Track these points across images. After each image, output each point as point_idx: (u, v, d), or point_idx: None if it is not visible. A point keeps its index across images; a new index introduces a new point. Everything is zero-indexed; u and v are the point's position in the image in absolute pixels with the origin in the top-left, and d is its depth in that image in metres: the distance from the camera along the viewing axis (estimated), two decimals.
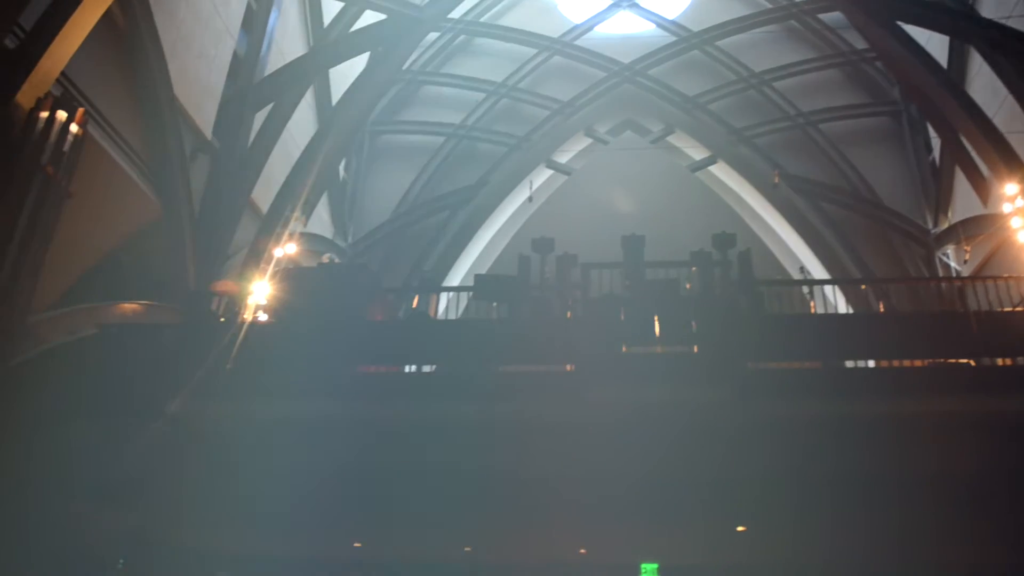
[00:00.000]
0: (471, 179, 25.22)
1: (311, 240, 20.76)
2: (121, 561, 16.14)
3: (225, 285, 14.10)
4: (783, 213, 23.52)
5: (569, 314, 11.64)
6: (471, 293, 11.66)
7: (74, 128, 9.97)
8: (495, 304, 10.98)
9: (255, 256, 16.00)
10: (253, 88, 19.27)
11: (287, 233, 16.36)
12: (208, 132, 18.03)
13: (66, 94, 11.29)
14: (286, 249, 16.31)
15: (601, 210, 26.67)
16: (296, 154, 20.02)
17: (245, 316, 13.76)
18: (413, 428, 10.99)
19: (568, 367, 10.67)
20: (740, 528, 11.23)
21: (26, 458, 15.31)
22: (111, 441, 12.08)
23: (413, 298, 12.07)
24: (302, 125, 21.88)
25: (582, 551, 13.57)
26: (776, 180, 21.51)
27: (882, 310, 19.09)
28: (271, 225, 16.90)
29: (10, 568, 16.20)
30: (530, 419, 10.57)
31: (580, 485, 11.04)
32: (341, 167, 24.92)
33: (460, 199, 24.69)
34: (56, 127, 9.74)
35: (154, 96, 15.92)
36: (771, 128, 25.13)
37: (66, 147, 9.85)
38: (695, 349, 10.48)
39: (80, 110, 10.00)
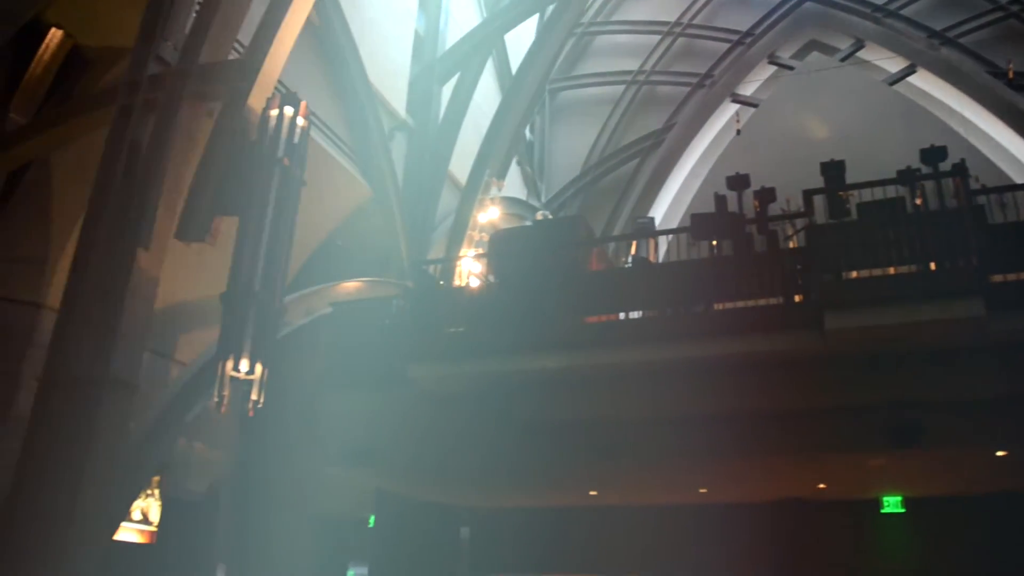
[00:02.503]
0: (656, 124, 24.86)
1: (507, 203, 21.25)
2: (372, 517, 17.47)
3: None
4: (1001, 115, 21.52)
5: (793, 243, 11.31)
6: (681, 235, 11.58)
7: (300, 121, 10.72)
8: (713, 243, 10.80)
9: (460, 224, 16.59)
10: (438, 62, 19.85)
11: (488, 199, 16.82)
12: (402, 111, 18.79)
13: (280, 91, 12.14)
14: (489, 214, 16.77)
15: (794, 139, 25.49)
16: (484, 123, 20.48)
17: (463, 281, 14.34)
18: (640, 374, 11.07)
19: (797, 298, 10.38)
20: (1000, 453, 10.58)
21: (287, 428, 16.81)
22: (357, 407, 13.01)
23: (630, 245, 12.08)
24: (486, 93, 22.33)
25: (821, 486, 13.32)
26: (1011, 75, 19.61)
27: None
28: (472, 193, 17.44)
29: (279, 524, 17.91)
30: (761, 355, 10.37)
31: (818, 418, 10.76)
32: (526, 129, 25.25)
33: (648, 145, 24.40)
34: (286, 122, 10.52)
35: (351, 83, 16.77)
36: (978, 23, 22.94)
37: (296, 139, 10.62)
38: (932, 267, 9.90)
39: (303, 103, 10.73)
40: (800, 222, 11.14)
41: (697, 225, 11.10)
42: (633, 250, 12.07)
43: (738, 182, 12.91)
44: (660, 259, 12.91)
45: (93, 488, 9.73)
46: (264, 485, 17.85)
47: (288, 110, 10.59)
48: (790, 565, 14.29)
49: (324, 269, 17.49)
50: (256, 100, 10.91)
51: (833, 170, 11.57)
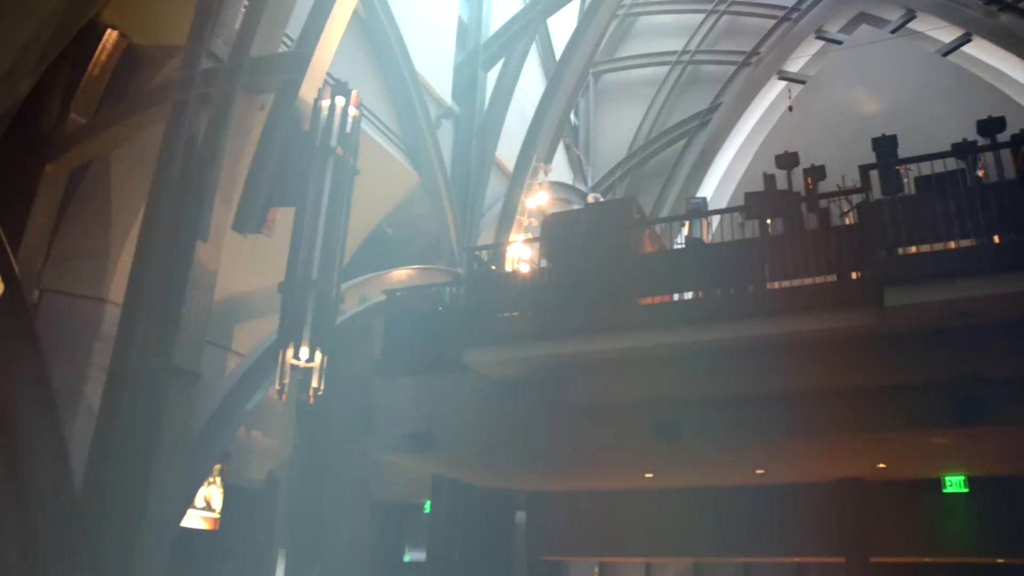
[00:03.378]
0: (702, 104, 24.56)
1: (554, 188, 21.22)
2: (428, 503, 17.68)
3: None
4: None
5: (849, 220, 11.13)
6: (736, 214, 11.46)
7: (352, 111, 10.84)
8: (768, 221, 10.66)
9: (509, 210, 16.64)
10: (482, 49, 19.87)
11: (536, 184, 16.83)
12: (448, 98, 18.86)
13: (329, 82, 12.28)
14: (537, 199, 16.79)
15: (844, 115, 25.05)
16: (529, 108, 20.46)
17: (513, 266, 14.37)
18: (695, 355, 11.03)
19: (854, 275, 10.22)
20: None
21: (343, 416, 17.06)
22: (412, 394, 13.15)
23: (680, 227, 12.01)
24: (530, 78, 22.30)
25: (881, 465, 13.14)
26: None
27: None
28: (519, 178, 17.46)
29: (336, 511, 18.20)
30: (817, 333, 10.25)
31: (877, 396, 10.61)
32: (571, 113, 25.17)
33: (694, 126, 24.16)
34: (337, 112, 10.65)
35: (397, 72, 16.89)
36: None
37: (348, 128, 10.75)
38: (995, 240, 9.69)
39: (354, 92, 10.86)
40: (856, 198, 10.95)
41: (751, 203, 10.98)
42: (687, 231, 11.98)
43: (787, 161, 12.74)
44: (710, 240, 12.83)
45: (161, 475, 10.02)
46: (321, 472, 18.16)
47: (340, 100, 10.72)
48: (849, 547, 14.16)
49: (374, 258, 17.68)
50: (307, 91, 11.08)
51: (885, 145, 11.37)
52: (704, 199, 13.57)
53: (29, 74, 12.53)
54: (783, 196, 10.94)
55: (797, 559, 16.33)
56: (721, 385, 11.16)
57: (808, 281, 10.66)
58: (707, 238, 12.05)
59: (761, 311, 10.51)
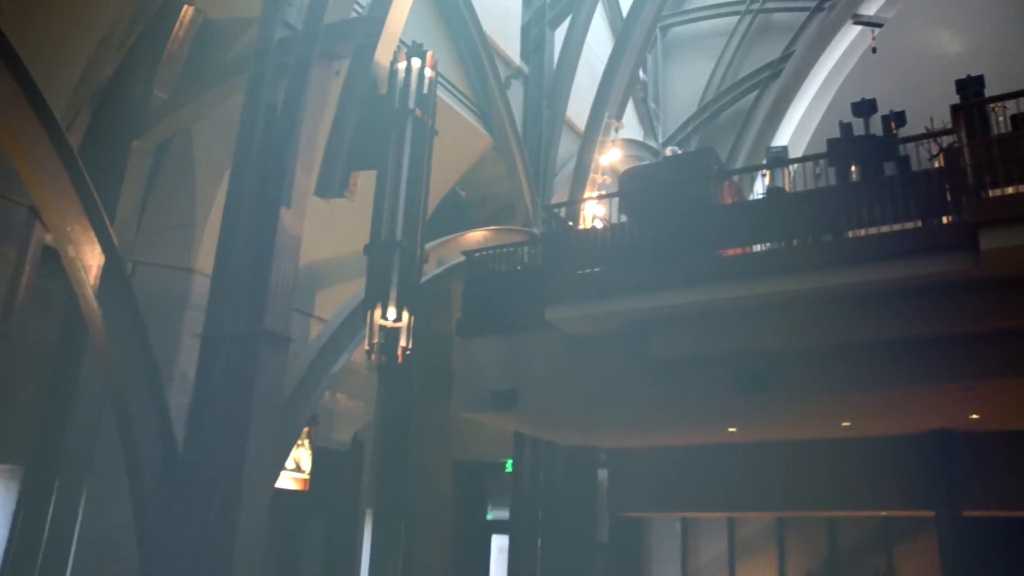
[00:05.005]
0: (773, 53, 23.93)
1: (626, 145, 21.03)
2: (509, 462, 17.92)
3: None
4: None
5: (939, 163, 10.76)
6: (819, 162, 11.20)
7: (428, 72, 10.88)
8: (852, 168, 10.39)
9: (583, 168, 16.56)
10: (548, 6, 19.69)
11: (609, 141, 16.70)
12: (516, 58, 18.77)
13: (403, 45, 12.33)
14: (610, 156, 16.66)
15: (924, 57, 24.12)
16: (597, 65, 20.25)
17: (588, 223, 14.34)
18: (779, 306, 10.88)
19: (945, 219, 9.92)
20: None
21: (424, 377, 17.35)
22: (493, 353, 13.28)
23: (763, 175, 11.80)
24: (597, 35, 22.03)
25: (974, 416, 12.83)
26: None
27: None
28: (592, 136, 17.34)
29: (420, 471, 18.57)
30: (906, 279, 10.00)
31: (970, 344, 10.34)
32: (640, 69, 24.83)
33: (766, 76, 23.58)
34: (414, 74, 10.71)
35: (466, 34, 16.85)
36: None
37: (425, 90, 10.80)
38: None
39: (429, 53, 10.88)
40: (946, 140, 10.59)
41: (835, 150, 10.70)
42: (768, 180, 11.76)
43: (865, 108, 12.38)
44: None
45: (257, 437, 10.34)
46: (404, 433, 18.53)
47: (415, 62, 10.75)
48: (939, 501, 13.89)
49: (448, 221, 17.82)
50: (382, 56, 11.14)
51: (971, 86, 10.93)
52: (785, 148, 13.28)
53: (114, 55, 12.93)
54: (869, 141, 10.62)
55: (884, 513, 16.13)
56: (807, 335, 10.99)
57: (899, 227, 10.39)
58: (789, 188, 11.80)
59: (845, 259, 10.29)
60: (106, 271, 9.98)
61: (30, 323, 12.40)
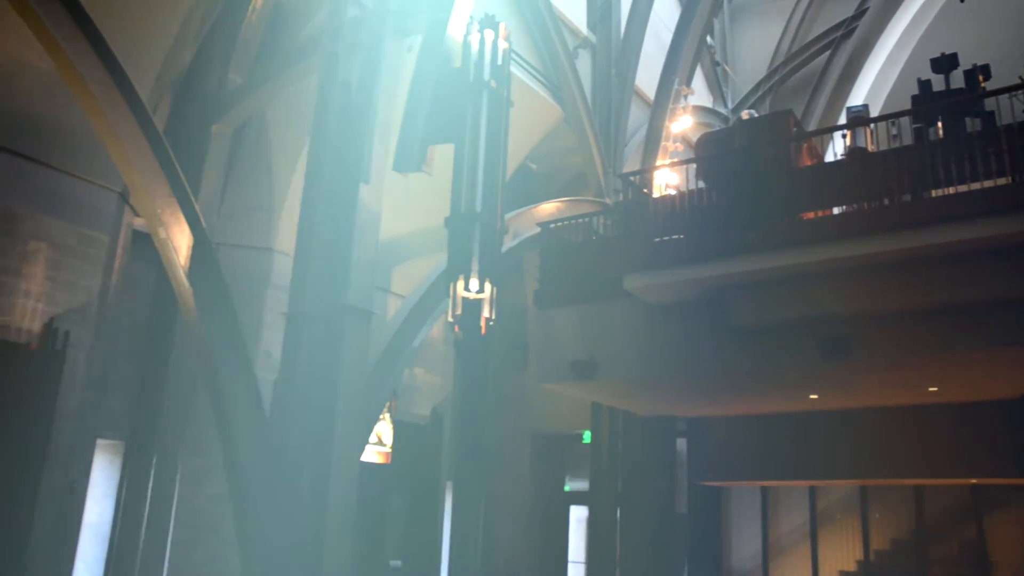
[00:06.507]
0: (846, 11, 23.23)
1: (695, 112, 20.75)
2: (587, 432, 17.99)
3: None
4: None
5: None
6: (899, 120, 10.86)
7: (502, 44, 10.88)
8: (938, 124, 10.08)
9: (654, 136, 16.39)
10: None
11: (680, 108, 16.50)
12: (583, 28, 18.61)
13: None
14: (681, 123, 16.46)
15: (1006, 11, 23.14)
16: (664, 33, 19.99)
17: (662, 191, 14.21)
18: (862, 269, 10.64)
19: None
20: None
21: (502, 349, 17.48)
22: (571, 323, 13.31)
23: (843, 136, 11.51)
24: (664, 2, 21.71)
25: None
26: None
27: None
28: (662, 103, 17.16)
29: (499, 443, 18.78)
30: (998, 239, 9.68)
31: None
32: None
33: (839, 36, 22.92)
34: (488, 46, 10.71)
35: (534, 5, 16.76)
36: None
37: (499, 61, 10.81)
38: None
39: (502, 24, 10.86)
40: None
41: (920, 106, 10.39)
42: (849, 141, 11.48)
43: (945, 63, 11.97)
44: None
45: (343, 412, 10.55)
46: (481, 406, 18.72)
47: (488, 34, 10.76)
48: None
49: (520, 194, 17.84)
50: (454, 29, 11.18)
51: None
52: (866, 106, 12.89)
53: (191, 41, 13.25)
54: (957, 95, 10.28)
55: (973, 481, 15.71)
56: (891, 299, 10.72)
57: (991, 184, 10.03)
58: (871, 148, 11.49)
59: (929, 219, 10.00)
60: (195, 251, 10.26)
61: (124, 304, 12.90)
